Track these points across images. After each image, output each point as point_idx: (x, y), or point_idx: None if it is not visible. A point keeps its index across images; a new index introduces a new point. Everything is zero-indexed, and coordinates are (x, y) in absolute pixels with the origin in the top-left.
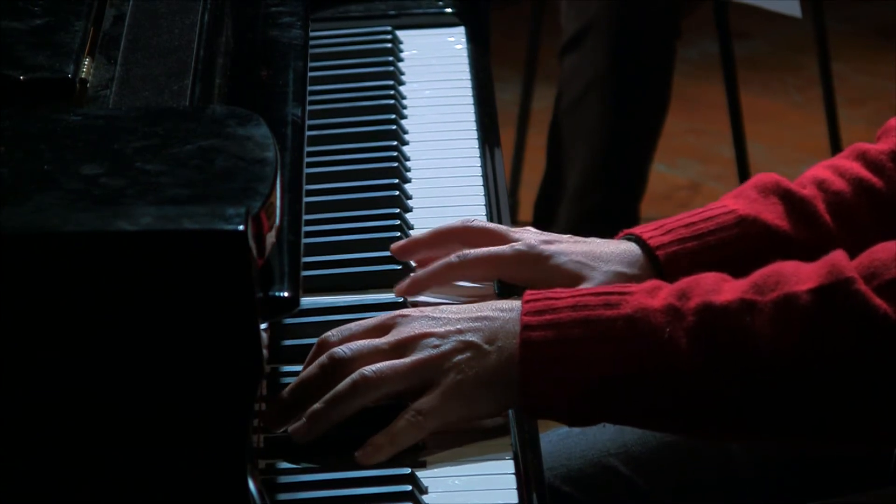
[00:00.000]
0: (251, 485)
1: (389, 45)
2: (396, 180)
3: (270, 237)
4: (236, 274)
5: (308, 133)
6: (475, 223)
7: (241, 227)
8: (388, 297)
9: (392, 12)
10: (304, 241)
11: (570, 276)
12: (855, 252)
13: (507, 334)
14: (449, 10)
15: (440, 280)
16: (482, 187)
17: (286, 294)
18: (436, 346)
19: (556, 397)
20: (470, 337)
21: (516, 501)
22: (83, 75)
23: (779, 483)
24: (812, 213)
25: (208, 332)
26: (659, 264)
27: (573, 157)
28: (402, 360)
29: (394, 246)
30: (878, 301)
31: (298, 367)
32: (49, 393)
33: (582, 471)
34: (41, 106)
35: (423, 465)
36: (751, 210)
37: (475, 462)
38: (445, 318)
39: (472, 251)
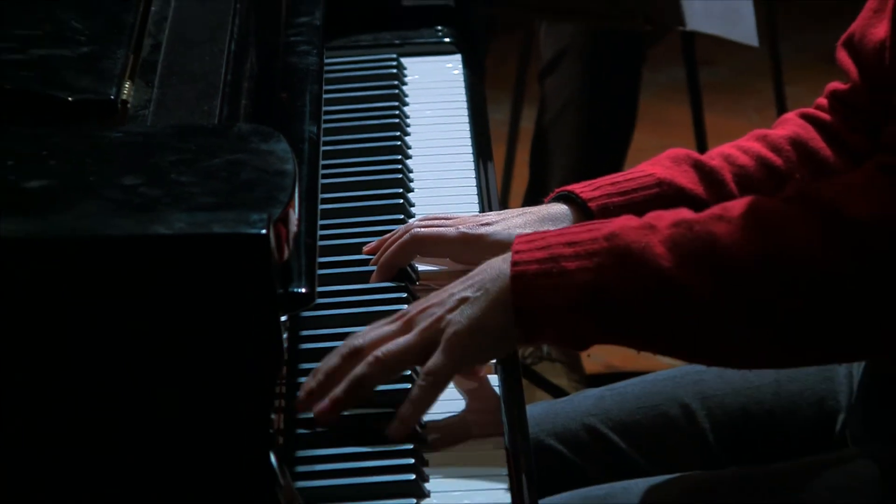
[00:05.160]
0: (272, 458)
1: (395, 70)
2: (401, 190)
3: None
4: (259, 272)
5: (323, 148)
6: (416, 230)
7: (263, 231)
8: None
9: (397, 41)
10: (320, 243)
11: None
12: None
13: (495, 275)
14: (447, 39)
15: (399, 258)
16: (476, 196)
17: (304, 290)
18: (433, 314)
19: (549, 314)
20: (462, 293)
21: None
22: (124, 97)
23: (737, 445)
24: (720, 180)
25: (235, 323)
26: (592, 216)
27: (554, 166)
28: (406, 335)
29: (366, 248)
30: (836, 197)
31: (315, 356)
32: (93, 379)
33: (566, 427)
34: (87, 124)
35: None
36: (667, 175)
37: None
38: (446, 289)
39: (423, 229)
